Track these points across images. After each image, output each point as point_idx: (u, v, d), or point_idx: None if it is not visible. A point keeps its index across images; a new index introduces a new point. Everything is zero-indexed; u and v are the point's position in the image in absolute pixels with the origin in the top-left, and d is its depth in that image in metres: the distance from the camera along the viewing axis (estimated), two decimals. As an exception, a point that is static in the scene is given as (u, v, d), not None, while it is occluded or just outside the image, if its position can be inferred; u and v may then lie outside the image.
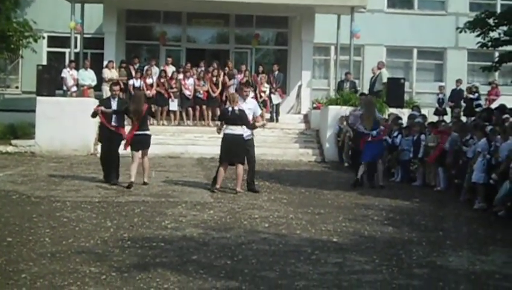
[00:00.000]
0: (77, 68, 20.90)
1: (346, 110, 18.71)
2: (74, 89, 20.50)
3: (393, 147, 15.40)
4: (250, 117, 12.38)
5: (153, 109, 20.39)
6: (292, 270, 7.07)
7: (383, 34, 24.84)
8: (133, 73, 21.02)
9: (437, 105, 22.36)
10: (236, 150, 12.17)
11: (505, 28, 17.01)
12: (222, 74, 21.31)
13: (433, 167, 14.14)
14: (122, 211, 10.03)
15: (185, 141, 19.27)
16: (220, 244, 8.10)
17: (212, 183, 12.40)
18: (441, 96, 22.46)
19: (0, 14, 21.51)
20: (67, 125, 18.08)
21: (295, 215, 10.18)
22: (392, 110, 18.14)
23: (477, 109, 19.10)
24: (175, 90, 20.54)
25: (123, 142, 12.83)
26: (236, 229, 9.09)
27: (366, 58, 25.19)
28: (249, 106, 12.54)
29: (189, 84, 20.67)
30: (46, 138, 18.21)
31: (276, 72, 22.05)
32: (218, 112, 16.44)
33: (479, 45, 17.61)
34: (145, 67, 21.37)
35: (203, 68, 21.54)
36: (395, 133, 15.58)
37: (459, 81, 22.33)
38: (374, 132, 13.67)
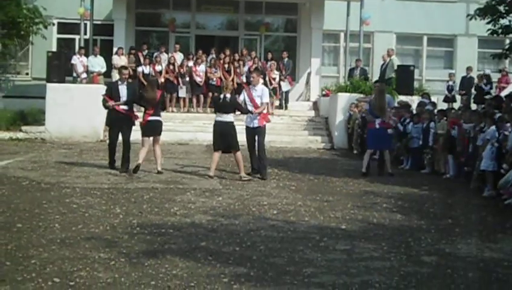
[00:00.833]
0: (87, 55, 20.94)
1: (355, 97, 18.66)
2: (84, 75, 20.55)
3: (403, 134, 15.37)
4: (259, 103, 12.43)
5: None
6: (300, 257, 7.09)
7: (393, 21, 24.71)
8: (142, 60, 21.05)
9: (446, 92, 22.26)
10: (226, 138, 12.20)
11: (515, 15, 16.87)
12: (232, 60, 21.28)
13: (443, 155, 14.10)
14: (131, 198, 10.07)
15: (194, 128, 19.30)
16: (228, 231, 8.13)
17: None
18: (450, 83, 22.36)
19: (11, 1, 21.53)
20: (77, 111, 18.15)
21: (304, 203, 10.19)
22: (402, 97, 18.09)
23: (487, 97, 18.99)
24: (184, 77, 20.56)
25: (134, 127, 12.83)
26: (245, 215, 9.11)
27: (375, 45, 25.07)
28: (258, 93, 12.56)
29: (200, 71, 20.66)
30: (56, 125, 18.30)
31: (286, 59, 22.02)
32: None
33: (489, 32, 17.46)
34: (154, 54, 21.39)
35: (214, 55, 21.52)
36: (406, 120, 15.53)
37: (469, 69, 22.21)
38: (379, 120, 13.59)
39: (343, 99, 19.17)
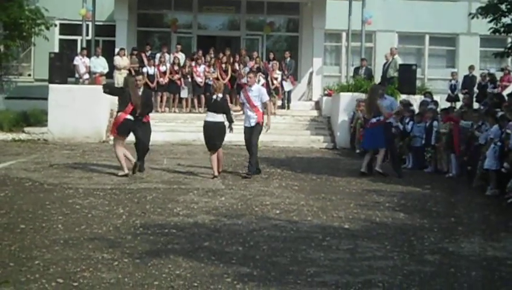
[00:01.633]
0: (89, 56, 20.95)
1: (357, 97, 18.67)
2: (86, 76, 20.56)
3: (404, 133, 15.36)
4: (258, 104, 12.57)
5: (165, 96, 20.50)
6: (303, 256, 7.10)
7: (395, 20, 24.69)
8: (145, 60, 21.07)
9: (449, 91, 22.25)
10: (214, 137, 12.35)
11: (517, 13, 16.86)
12: (232, 61, 21.30)
13: (445, 154, 14.09)
14: (134, 198, 10.09)
15: (196, 128, 19.11)
16: (231, 231, 8.13)
17: None
18: (453, 82, 22.34)
19: (13, 2, 21.55)
20: (79, 112, 18.16)
21: (306, 202, 10.19)
22: (404, 96, 18.09)
23: (489, 91, 19.02)
24: (187, 78, 20.60)
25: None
26: (248, 215, 9.12)
27: (377, 45, 25.07)
28: (254, 93, 12.70)
29: (200, 71, 20.69)
30: (59, 126, 18.30)
31: (288, 59, 22.01)
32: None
33: (491, 30, 17.46)
34: (157, 55, 21.40)
35: (212, 55, 21.53)
36: (407, 120, 15.53)
37: (471, 68, 22.19)
38: (374, 120, 13.58)
39: (346, 99, 19.16)
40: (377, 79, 21.35)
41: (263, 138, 14.03)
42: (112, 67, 20.94)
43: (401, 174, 13.39)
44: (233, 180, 12.12)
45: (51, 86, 18.77)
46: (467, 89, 21.30)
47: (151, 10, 24.62)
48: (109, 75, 21.04)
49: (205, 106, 19.02)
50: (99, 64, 20.78)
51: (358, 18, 21.34)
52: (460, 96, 21.61)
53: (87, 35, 22.02)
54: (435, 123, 14.61)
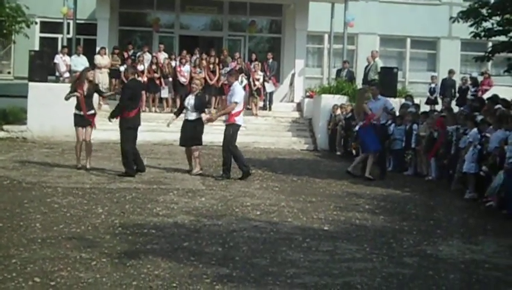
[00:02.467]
0: (70, 54, 20.81)
1: (339, 99, 18.73)
2: (67, 75, 20.42)
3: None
4: (231, 104, 12.60)
5: (144, 96, 20.40)
6: (283, 257, 7.09)
7: (377, 23, 24.84)
8: (128, 60, 20.96)
9: (429, 94, 22.38)
10: (187, 135, 12.78)
11: (498, 18, 16.98)
12: (218, 61, 21.28)
13: (425, 157, 14.17)
14: (113, 198, 10.02)
15: (177, 128, 19.07)
16: (211, 232, 8.11)
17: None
18: (432, 86, 22.47)
19: (-7, -1, 21.36)
20: (59, 111, 17.91)
21: (287, 204, 10.19)
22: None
23: (468, 97, 19.15)
24: (167, 77, 20.53)
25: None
26: (228, 216, 9.10)
27: (359, 47, 25.20)
28: (230, 92, 12.84)
29: (184, 71, 20.62)
30: (38, 124, 18.17)
31: (270, 60, 22.05)
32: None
33: (472, 34, 17.57)
34: (138, 54, 21.31)
35: (198, 55, 21.49)
36: (388, 122, 15.57)
37: (451, 72, 22.32)
38: (361, 123, 13.65)
39: (327, 100, 19.21)
40: (359, 81, 21.43)
41: (245, 139, 14.07)
42: (93, 66, 20.79)
43: (384, 177, 13.44)
44: (214, 181, 12.09)
45: (31, 84, 18.62)
46: (446, 93, 21.43)
47: (133, 9, 24.51)
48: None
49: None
50: (80, 62, 20.59)
51: (341, 20, 21.42)
52: (440, 100, 21.77)
53: (68, 33, 21.89)
54: (415, 126, 14.70)
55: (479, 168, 11.32)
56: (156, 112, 20.39)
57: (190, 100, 12.83)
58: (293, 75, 23.03)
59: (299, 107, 21.91)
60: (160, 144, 17.92)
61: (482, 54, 18.40)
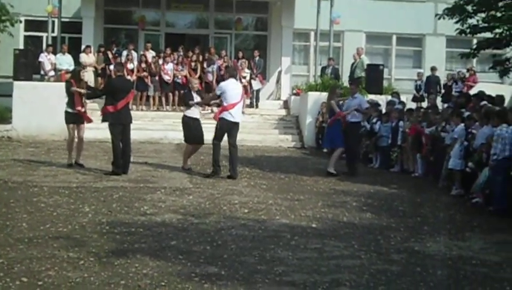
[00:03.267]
0: (55, 52, 20.70)
1: (325, 96, 18.72)
2: (52, 73, 20.33)
3: (372, 133, 15.48)
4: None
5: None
6: (271, 255, 7.09)
7: (363, 20, 24.84)
8: (111, 58, 20.89)
9: (415, 92, 22.46)
10: (200, 133, 13.12)
11: (483, 14, 17.06)
12: (202, 59, 21.25)
13: (411, 153, 14.23)
14: (100, 197, 9.97)
15: (164, 127, 19.19)
16: (199, 230, 8.09)
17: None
18: (418, 82, 22.55)
19: (-23, -2, 21.19)
20: (44, 110, 17.90)
21: (274, 201, 10.19)
22: (372, 96, 18.21)
23: (454, 94, 19.27)
24: (155, 76, 20.49)
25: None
26: (216, 214, 9.09)
27: (345, 45, 25.22)
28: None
29: (168, 69, 20.59)
30: (23, 123, 18.05)
31: (257, 58, 22.04)
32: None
33: (457, 31, 17.66)
34: (124, 52, 21.23)
35: (181, 53, 21.45)
36: (374, 119, 15.65)
37: (434, 69, 22.39)
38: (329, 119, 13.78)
39: (313, 98, 19.23)
40: (345, 79, 21.47)
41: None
42: (78, 64, 20.68)
43: (355, 173, 13.37)
44: (201, 179, 12.07)
45: (16, 82, 18.50)
46: (431, 89, 21.52)
47: (119, 7, 24.40)
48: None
49: (179, 104, 19.40)
50: (65, 61, 20.53)
51: (327, 18, 21.45)
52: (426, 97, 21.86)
53: (53, 32, 21.76)
54: (401, 123, 14.74)
55: (465, 164, 11.38)
56: (142, 110, 20.33)
57: (197, 99, 13.05)
58: (280, 72, 23.04)
59: (285, 105, 21.93)
60: (147, 142, 17.86)
61: (468, 50, 18.49)
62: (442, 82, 22.09)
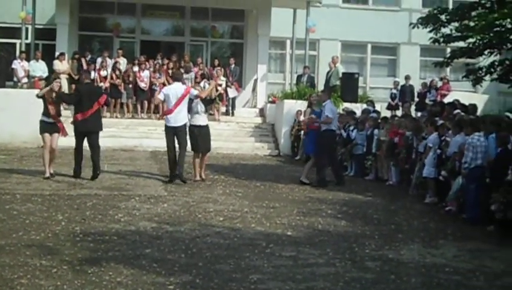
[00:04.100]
0: (28, 59, 20.51)
1: (301, 104, 18.79)
2: (25, 80, 20.12)
3: (347, 140, 15.54)
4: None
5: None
6: (246, 263, 7.07)
7: (338, 29, 25.01)
8: (85, 65, 20.76)
9: (390, 100, 22.62)
10: (205, 141, 12.93)
11: (456, 24, 17.28)
12: (178, 66, 21.20)
13: (386, 162, 14.30)
14: (73, 205, 9.88)
15: (138, 134, 19.10)
16: (173, 238, 8.05)
17: None
18: (393, 91, 22.72)
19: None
20: (17, 117, 17.69)
21: (250, 209, 10.18)
22: (347, 104, 18.31)
23: (428, 102, 19.45)
24: (129, 83, 20.39)
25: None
26: (191, 222, 9.05)
27: (321, 53, 25.34)
28: None
29: (144, 77, 20.52)
30: (-4, 130, 17.82)
31: (233, 66, 22.04)
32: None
33: (431, 40, 17.85)
34: (98, 59, 21.11)
35: (159, 60, 21.39)
36: (351, 128, 15.72)
37: (407, 78, 22.57)
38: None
39: (289, 106, 19.27)
40: (321, 87, 21.54)
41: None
42: (52, 71, 20.53)
43: (341, 182, 13.42)
44: (176, 187, 12.01)
45: (-11, 89, 18.28)
46: (406, 98, 21.69)
47: (94, 14, 24.25)
48: (48, 79, 20.57)
49: (154, 112, 19.28)
50: (39, 68, 20.35)
51: (303, 26, 21.53)
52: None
53: (27, 38, 21.57)
54: (376, 131, 14.82)
55: (438, 172, 11.46)
56: (117, 117, 20.20)
57: (199, 105, 12.69)
58: (256, 80, 23.07)
59: (261, 113, 21.95)
60: (120, 149, 17.74)
61: (441, 59, 18.70)
62: (416, 91, 22.28)
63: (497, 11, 15.33)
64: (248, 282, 6.40)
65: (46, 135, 12.55)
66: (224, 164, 16.06)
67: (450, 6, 19.46)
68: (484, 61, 17.49)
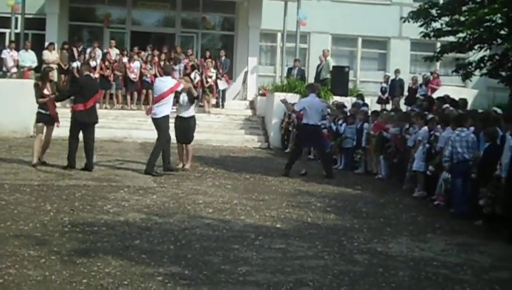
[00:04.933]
0: (17, 49, 20.38)
1: (291, 97, 18.77)
2: (14, 70, 20.00)
3: (337, 134, 15.56)
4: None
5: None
6: (235, 255, 7.08)
7: (329, 22, 24.98)
8: (76, 55, 20.67)
9: (380, 94, 22.64)
10: (185, 132, 13.10)
11: (447, 18, 17.35)
12: (170, 58, 21.15)
13: (375, 155, 14.34)
14: (62, 195, 9.85)
15: (128, 125, 19.04)
16: (162, 230, 8.05)
17: None
18: (384, 85, 22.73)
19: None
20: (6, 106, 17.62)
21: (239, 201, 10.19)
22: (337, 98, 18.32)
23: (418, 96, 19.48)
24: (119, 73, 20.31)
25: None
26: (180, 214, 9.04)
27: (311, 46, 25.31)
28: None
29: (134, 68, 20.44)
30: (-16, 120, 17.72)
31: (223, 58, 21.99)
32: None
33: (421, 35, 17.90)
34: (88, 50, 21.01)
35: (150, 52, 21.31)
36: (340, 121, 15.74)
37: (397, 71, 22.58)
38: None
39: (279, 98, 19.23)
40: (311, 80, 21.55)
41: (197, 136, 14.05)
42: (41, 61, 20.42)
43: (330, 176, 13.45)
44: (165, 178, 11.99)
45: (-23, 79, 18.17)
46: (395, 92, 21.73)
47: (84, 4, 24.06)
48: (38, 69, 20.48)
49: (144, 103, 19.27)
50: (28, 58, 20.23)
51: (294, 19, 21.49)
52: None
53: (16, 28, 21.43)
54: (366, 125, 14.85)
55: (427, 167, 11.51)
56: (106, 108, 20.13)
57: (184, 97, 12.92)
58: (246, 72, 23.03)
59: (252, 105, 21.93)
60: (110, 140, 17.68)
61: (431, 54, 18.76)
62: (406, 85, 22.30)
63: (487, 6, 15.41)
64: (237, 274, 6.41)
65: (41, 124, 12.62)
66: (214, 156, 16.05)
67: (441, 1, 19.51)
68: (474, 56, 17.58)
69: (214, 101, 21.43)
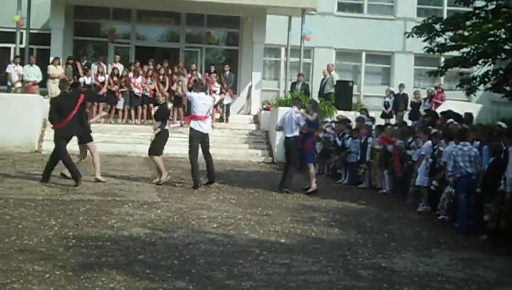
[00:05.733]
0: (22, 64, 20.48)
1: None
2: (19, 84, 20.09)
3: (341, 148, 15.56)
4: None
5: (101, 107, 20.24)
6: (240, 270, 7.06)
7: (333, 37, 25.07)
8: (80, 70, 20.75)
9: (383, 108, 22.63)
10: (150, 145, 13.55)
11: (450, 33, 17.35)
12: (171, 73, 21.20)
13: (379, 170, 14.32)
14: (66, 210, 9.85)
15: (132, 140, 19.07)
16: (167, 244, 8.04)
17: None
18: (387, 99, 22.71)
19: None
20: (11, 121, 17.67)
21: (243, 216, 10.17)
22: (341, 112, 18.34)
23: (421, 111, 19.48)
24: (125, 88, 20.40)
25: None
26: (184, 229, 9.04)
27: (315, 61, 25.38)
28: None
29: (138, 82, 20.51)
30: (-11, 134, 17.77)
31: (227, 72, 22.05)
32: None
33: (425, 49, 17.91)
34: (92, 65, 21.10)
35: (151, 66, 21.38)
36: (346, 136, 15.75)
37: (402, 86, 22.59)
38: None
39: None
40: (315, 94, 21.60)
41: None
42: (46, 76, 20.51)
43: (281, 189, 13.11)
44: (170, 193, 12.00)
45: (-18, 94, 18.24)
46: (399, 107, 21.71)
47: (89, 19, 24.20)
48: (43, 84, 20.58)
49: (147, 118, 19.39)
50: (33, 72, 20.33)
51: (298, 34, 21.57)
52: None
53: (21, 43, 21.55)
54: (370, 139, 14.85)
55: (431, 181, 11.49)
56: (111, 123, 20.18)
57: (154, 110, 13.29)
58: (250, 87, 23.08)
59: (256, 120, 21.95)
60: (114, 155, 17.71)
61: (435, 68, 18.75)
62: (410, 100, 22.29)
63: (491, 21, 15.42)
64: (241, 289, 6.39)
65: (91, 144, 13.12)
66: (218, 170, 15.97)
67: (445, 16, 19.55)
68: (478, 70, 17.56)
69: (218, 115, 21.46)
